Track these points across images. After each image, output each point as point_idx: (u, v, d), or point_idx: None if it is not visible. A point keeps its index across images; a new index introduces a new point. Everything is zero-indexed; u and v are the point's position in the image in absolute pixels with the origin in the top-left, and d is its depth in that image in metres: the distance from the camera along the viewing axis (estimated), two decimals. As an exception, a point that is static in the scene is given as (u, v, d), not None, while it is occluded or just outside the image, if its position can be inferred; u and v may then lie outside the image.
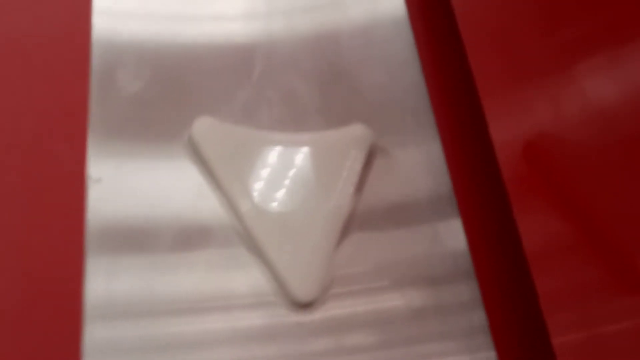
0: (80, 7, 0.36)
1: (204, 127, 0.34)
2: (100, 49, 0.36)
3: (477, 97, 0.33)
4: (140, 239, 0.32)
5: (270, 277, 0.32)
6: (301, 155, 0.34)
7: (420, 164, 0.35)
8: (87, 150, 0.33)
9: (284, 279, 0.31)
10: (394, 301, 0.32)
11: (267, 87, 0.37)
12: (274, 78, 0.37)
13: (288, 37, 0.38)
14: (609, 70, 0.34)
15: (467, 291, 0.32)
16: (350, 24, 0.39)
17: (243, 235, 0.32)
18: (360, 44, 0.39)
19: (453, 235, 0.33)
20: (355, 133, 0.35)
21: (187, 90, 0.36)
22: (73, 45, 0.35)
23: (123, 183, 0.33)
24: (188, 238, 0.32)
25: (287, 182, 0.34)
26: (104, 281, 0.30)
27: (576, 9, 0.36)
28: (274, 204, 0.33)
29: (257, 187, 0.33)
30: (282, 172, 0.34)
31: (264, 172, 0.34)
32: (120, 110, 0.35)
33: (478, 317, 0.32)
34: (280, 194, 0.33)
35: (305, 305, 0.31)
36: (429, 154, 0.35)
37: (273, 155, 0.34)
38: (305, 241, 0.32)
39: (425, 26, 0.39)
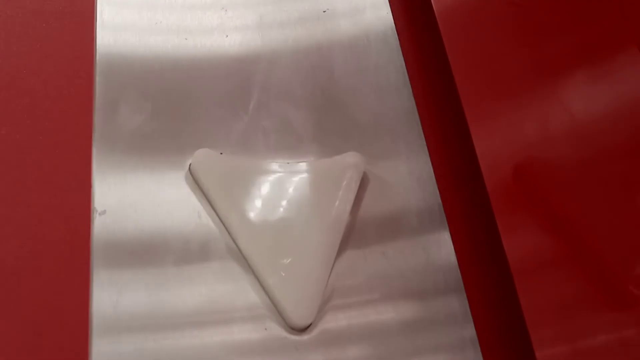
0: (83, 38, 0.37)
1: (202, 158, 0.35)
2: (103, 85, 0.37)
3: (463, 116, 0.34)
4: (144, 255, 0.33)
5: (266, 297, 0.32)
6: (297, 183, 0.35)
7: (411, 184, 0.36)
8: (93, 182, 0.34)
9: (280, 304, 0.32)
10: (386, 314, 0.32)
11: (263, 118, 0.38)
12: (270, 108, 0.38)
13: (283, 69, 0.39)
14: (592, 86, 0.35)
15: (457, 304, 0.33)
16: (343, 51, 0.40)
17: (241, 258, 0.33)
18: (353, 72, 0.40)
19: (442, 249, 0.34)
20: (350, 160, 0.36)
21: (187, 122, 0.37)
22: (77, 80, 0.36)
23: (126, 213, 0.34)
24: (188, 260, 0.33)
25: (283, 209, 0.34)
26: (110, 298, 0.31)
27: (559, 27, 0.37)
28: (271, 231, 0.34)
29: (254, 213, 0.34)
30: (279, 200, 0.35)
31: (261, 200, 0.35)
32: (123, 144, 0.36)
33: (467, 330, 0.32)
34: (277, 221, 0.34)
35: (301, 330, 0.32)
36: (420, 175, 0.36)
37: (269, 183, 0.35)
38: (301, 266, 0.33)
39: (415, 49, 0.40)
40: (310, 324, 0.32)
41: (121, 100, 0.37)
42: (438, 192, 0.36)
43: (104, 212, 0.34)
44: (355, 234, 0.35)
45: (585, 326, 0.29)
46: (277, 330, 0.32)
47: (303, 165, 0.36)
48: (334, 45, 0.41)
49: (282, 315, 0.32)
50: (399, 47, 0.41)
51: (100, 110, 0.36)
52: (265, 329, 0.32)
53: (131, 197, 0.34)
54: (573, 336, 0.29)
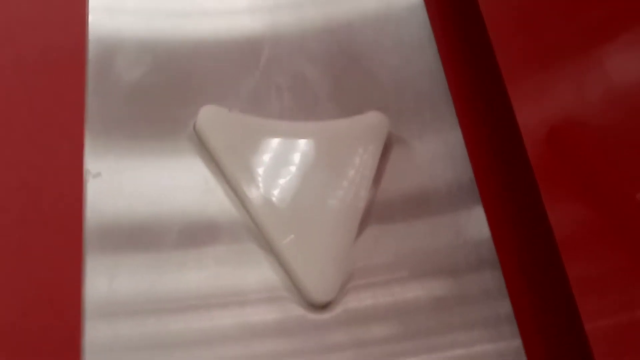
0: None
1: (209, 116, 0.33)
2: (97, 36, 0.35)
3: (499, 80, 0.32)
4: (143, 235, 0.31)
5: (283, 275, 0.31)
6: (314, 146, 0.33)
7: (439, 151, 0.34)
8: (85, 144, 0.32)
9: (299, 280, 0.30)
10: (414, 292, 0.31)
11: (276, 74, 0.35)
12: (283, 64, 0.36)
13: (296, 21, 0.37)
14: (634, 52, 0.34)
15: (491, 280, 0.32)
16: (363, 5, 0.38)
17: (253, 230, 0.31)
18: (373, 26, 0.37)
19: (475, 223, 0.33)
20: (372, 121, 0.34)
21: (191, 78, 0.35)
22: (68, 33, 0.34)
23: (123, 178, 0.32)
24: (194, 234, 0.31)
25: (299, 174, 0.32)
26: (105, 279, 0.29)
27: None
28: (286, 199, 0.32)
29: (268, 180, 0.32)
30: (294, 164, 0.32)
31: (275, 164, 0.32)
32: (119, 101, 0.33)
33: (502, 305, 0.31)
34: (293, 187, 0.32)
35: (321, 307, 0.30)
36: (448, 141, 0.35)
37: (284, 145, 0.33)
38: (320, 238, 0.31)
39: (442, 8, 0.38)
40: (331, 301, 0.30)
41: (117, 51, 0.34)
42: (469, 160, 0.34)
43: (98, 175, 0.31)
44: (378, 205, 0.33)
45: (635, 296, 0.28)
46: (296, 310, 0.30)
47: (321, 126, 0.34)
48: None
49: (300, 291, 0.30)
50: (423, 2, 0.39)
51: (94, 63, 0.34)
52: (282, 307, 0.30)
53: (128, 159, 0.32)
54: (623, 307, 0.28)
